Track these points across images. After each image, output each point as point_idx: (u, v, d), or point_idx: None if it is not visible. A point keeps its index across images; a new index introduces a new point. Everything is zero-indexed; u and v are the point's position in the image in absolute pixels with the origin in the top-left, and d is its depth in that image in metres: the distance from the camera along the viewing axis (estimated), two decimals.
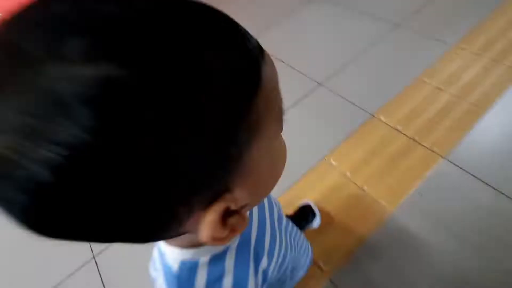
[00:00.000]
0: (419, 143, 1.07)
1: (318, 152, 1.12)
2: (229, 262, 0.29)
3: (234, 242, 0.30)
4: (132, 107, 0.13)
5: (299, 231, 0.55)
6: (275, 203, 0.45)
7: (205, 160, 0.17)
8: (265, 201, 0.41)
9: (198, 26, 0.16)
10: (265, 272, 0.33)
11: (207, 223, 0.19)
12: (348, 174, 1.05)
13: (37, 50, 0.13)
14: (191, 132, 0.15)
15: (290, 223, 0.51)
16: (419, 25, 1.48)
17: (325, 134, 1.17)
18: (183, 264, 0.27)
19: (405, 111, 1.17)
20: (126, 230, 0.17)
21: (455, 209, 0.90)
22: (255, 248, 0.32)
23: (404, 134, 1.11)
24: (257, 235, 0.34)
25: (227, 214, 0.21)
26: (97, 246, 1.03)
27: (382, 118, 1.17)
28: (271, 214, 0.40)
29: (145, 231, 0.18)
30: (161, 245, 0.28)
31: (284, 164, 0.28)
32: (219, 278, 0.28)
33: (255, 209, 0.36)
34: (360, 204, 0.98)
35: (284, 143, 0.27)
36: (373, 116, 1.18)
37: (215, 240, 0.20)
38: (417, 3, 1.60)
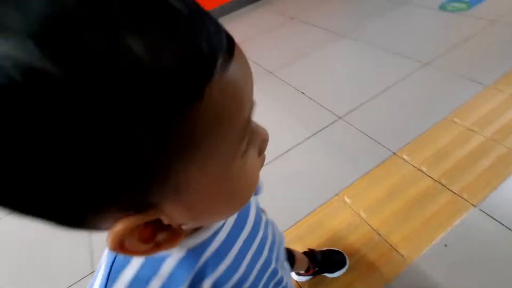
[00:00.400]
0: (447, 188, 0.97)
1: (332, 188, 1.05)
2: (166, 268, 0.26)
3: (181, 251, 0.27)
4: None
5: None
6: (274, 235, 0.42)
7: (118, 169, 0.15)
8: (260, 234, 0.38)
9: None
10: None
11: (112, 232, 0.17)
12: (363, 214, 0.96)
13: None
14: (96, 135, 0.13)
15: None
16: (451, 64, 1.42)
17: (341, 169, 1.11)
18: (118, 257, 0.26)
19: (432, 152, 1.08)
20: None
21: (486, 263, 0.77)
22: (203, 267, 0.29)
23: (430, 177, 1.01)
24: (226, 262, 0.31)
25: (160, 228, 0.20)
26: None
27: (405, 157, 1.09)
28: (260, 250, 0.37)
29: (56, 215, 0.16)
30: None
31: (250, 189, 0.25)
32: (147, 279, 0.26)
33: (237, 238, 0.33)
34: (374, 250, 0.88)
35: (255, 166, 0.24)
36: (395, 154, 1.11)
37: (125, 251, 0.18)
38: (450, 42, 1.55)
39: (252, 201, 0.39)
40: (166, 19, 0.15)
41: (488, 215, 0.87)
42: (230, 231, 0.32)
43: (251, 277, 0.35)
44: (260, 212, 0.41)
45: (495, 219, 0.85)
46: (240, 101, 0.19)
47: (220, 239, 0.31)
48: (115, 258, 0.26)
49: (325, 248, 0.89)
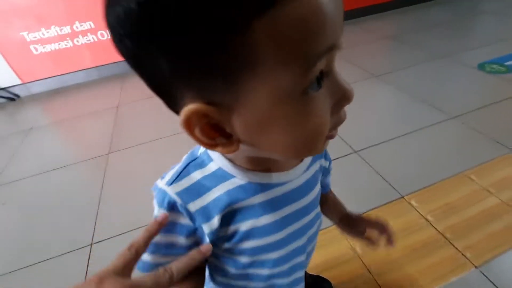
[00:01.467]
0: (450, 242, 0.94)
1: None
2: (217, 190, 0.33)
3: (243, 180, 0.33)
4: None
5: None
6: (317, 229, 0.45)
7: (196, 55, 0.20)
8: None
9: None
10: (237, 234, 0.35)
11: (185, 109, 0.23)
12: (358, 249, 0.96)
13: None
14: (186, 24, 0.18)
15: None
16: (478, 122, 1.40)
17: (346, 202, 1.11)
18: (203, 154, 0.34)
19: (442, 203, 1.06)
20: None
21: None
22: (241, 209, 0.34)
23: (435, 227, 0.99)
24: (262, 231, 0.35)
25: (221, 130, 0.25)
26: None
27: (414, 203, 1.08)
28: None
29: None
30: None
31: (308, 135, 0.25)
32: (205, 188, 0.32)
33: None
34: (360, 286, 0.87)
35: (322, 112, 0.24)
36: (404, 198, 1.10)
37: (191, 133, 0.25)
38: (482, 101, 1.54)
39: (315, 187, 0.41)
40: None
41: (488, 279, 0.83)
42: (285, 194, 0.35)
43: (281, 252, 0.38)
44: (318, 201, 0.43)
45: (494, 285, 0.81)
46: (309, 34, 0.20)
47: (273, 193, 0.34)
48: (190, 162, 0.34)
49: (314, 273, 0.89)
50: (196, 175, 0.33)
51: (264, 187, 0.34)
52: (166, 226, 0.32)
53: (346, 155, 1.33)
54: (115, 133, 1.78)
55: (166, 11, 0.18)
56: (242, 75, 0.20)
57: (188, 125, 0.24)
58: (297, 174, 0.36)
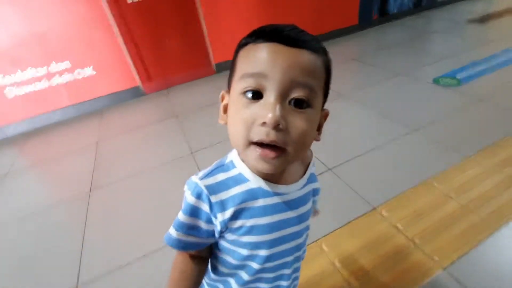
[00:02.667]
0: (419, 247, 1.02)
1: (312, 234, 1.11)
2: (235, 189, 0.43)
3: (257, 183, 0.43)
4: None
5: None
6: (304, 241, 0.53)
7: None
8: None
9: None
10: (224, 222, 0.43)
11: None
12: (337, 263, 1.01)
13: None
14: None
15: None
16: (437, 133, 1.55)
17: (322, 217, 1.18)
18: (229, 162, 0.45)
19: (409, 211, 1.15)
20: None
21: None
22: (248, 208, 0.43)
23: (404, 234, 1.07)
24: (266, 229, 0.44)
25: (225, 108, 0.43)
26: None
27: (384, 213, 1.16)
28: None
29: None
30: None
31: (234, 127, 0.38)
32: (226, 186, 0.43)
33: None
34: None
35: (245, 117, 0.36)
36: (375, 209, 1.18)
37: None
38: (438, 114, 1.69)
39: (307, 203, 0.49)
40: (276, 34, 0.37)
41: (455, 279, 0.90)
42: (287, 202, 0.45)
43: (270, 250, 0.46)
44: (308, 216, 0.51)
45: (461, 284, 0.88)
46: (251, 61, 0.37)
47: (278, 199, 0.44)
48: (218, 167, 0.45)
49: None
50: (221, 176, 0.43)
51: (269, 194, 0.43)
52: (191, 210, 0.43)
53: (322, 173, 1.41)
54: (96, 170, 1.79)
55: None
56: (233, 73, 0.40)
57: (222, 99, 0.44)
58: (295, 189, 0.46)
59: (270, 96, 0.35)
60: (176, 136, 1.97)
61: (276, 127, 0.35)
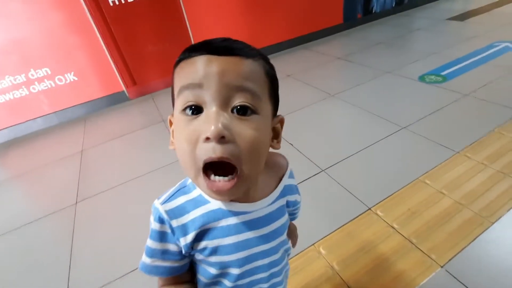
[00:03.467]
0: (416, 246, 1.02)
1: (309, 238, 1.10)
2: (195, 212, 0.41)
3: (215, 206, 0.42)
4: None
5: None
6: (282, 268, 0.51)
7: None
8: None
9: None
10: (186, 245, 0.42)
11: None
12: (336, 266, 1.00)
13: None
14: None
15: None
16: (425, 130, 1.56)
17: (319, 220, 1.17)
18: (190, 183, 0.44)
19: (404, 210, 1.15)
20: None
21: None
22: (211, 229, 0.42)
23: (401, 234, 1.07)
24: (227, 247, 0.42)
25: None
26: None
27: (379, 213, 1.15)
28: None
29: None
30: None
31: (181, 154, 0.36)
32: (186, 210, 0.42)
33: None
34: None
35: (186, 135, 0.34)
36: (371, 209, 1.18)
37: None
38: (425, 110, 1.72)
39: (280, 219, 0.47)
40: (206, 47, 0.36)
41: (453, 276, 0.90)
42: (253, 220, 0.43)
43: (242, 269, 0.44)
44: (283, 231, 0.48)
45: (459, 281, 0.89)
46: (184, 75, 0.35)
47: (242, 219, 0.42)
48: (180, 189, 0.43)
49: None
50: (181, 199, 0.42)
51: (231, 214, 0.42)
52: (158, 235, 0.42)
53: (315, 175, 1.40)
54: (81, 180, 1.71)
55: None
56: (174, 95, 0.38)
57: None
58: (261, 206, 0.44)
59: (210, 108, 0.33)
60: (164, 142, 1.91)
61: (221, 139, 0.32)
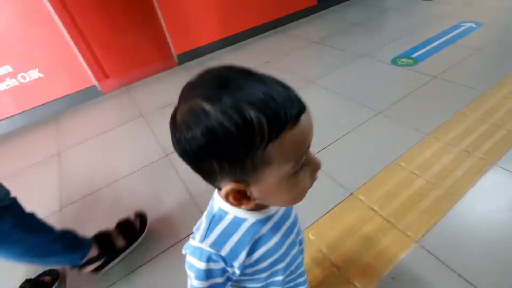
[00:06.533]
0: (394, 226, 1.12)
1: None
2: (243, 227, 0.45)
3: (252, 219, 0.45)
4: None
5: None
6: (299, 230, 0.59)
7: (235, 161, 0.34)
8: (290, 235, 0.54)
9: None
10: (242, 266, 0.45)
11: (225, 188, 0.37)
12: (324, 250, 1.08)
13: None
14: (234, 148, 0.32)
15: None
16: (398, 113, 1.66)
17: (306, 208, 1.24)
18: (218, 211, 0.45)
19: (382, 192, 1.25)
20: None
21: None
22: (259, 238, 0.47)
23: (380, 215, 1.16)
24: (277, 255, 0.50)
25: (244, 195, 0.38)
26: None
27: (361, 197, 1.25)
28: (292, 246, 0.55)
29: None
30: (221, 204, 0.45)
31: (298, 197, 0.42)
32: (229, 235, 0.44)
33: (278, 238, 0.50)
34: (334, 284, 0.99)
35: (304, 183, 0.40)
36: (352, 194, 1.26)
37: (227, 200, 0.38)
38: (398, 94, 1.81)
39: (292, 209, 0.56)
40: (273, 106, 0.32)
41: (427, 250, 1.02)
42: (279, 219, 0.50)
43: (286, 260, 0.53)
44: (297, 214, 0.58)
45: (433, 255, 1.00)
46: (298, 146, 0.36)
47: (273, 221, 0.48)
48: (213, 217, 0.45)
49: None
50: (219, 228, 0.44)
51: (267, 219, 0.48)
52: (205, 274, 0.43)
53: None
54: (62, 184, 1.66)
55: (224, 147, 0.32)
56: (262, 168, 0.35)
57: (227, 195, 0.38)
58: (276, 208, 0.51)
59: (308, 151, 0.40)
60: (146, 138, 1.89)
61: None
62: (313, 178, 0.42)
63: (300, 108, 0.35)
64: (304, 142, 0.36)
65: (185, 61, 2.82)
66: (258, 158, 0.33)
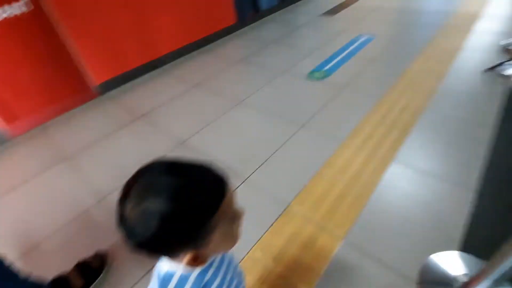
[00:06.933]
0: (324, 228, 1.31)
1: (246, 244, 1.27)
2: (191, 277, 0.53)
3: (197, 271, 0.54)
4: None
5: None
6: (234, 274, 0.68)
7: (191, 236, 0.45)
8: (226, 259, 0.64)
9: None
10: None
11: (187, 257, 0.47)
12: (271, 263, 1.20)
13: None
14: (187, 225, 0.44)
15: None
16: (318, 125, 1.92)
17: (250, 228, 1.34)
18: (165, 275, 0.53)
19: (313, 200, 1.43)
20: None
21: None
22: (207, 282, 0.56)
23: (313, 221, 1.34)
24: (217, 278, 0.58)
25: (200, 256, 0.49)
26: None
27: (296, 207, 1.41)
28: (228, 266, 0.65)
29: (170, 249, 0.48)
30: (168, 266, 0.53)
31: (233, 243, 0.54)
32: (184, 283, 0.52)
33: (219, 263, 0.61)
34: None
35: (237, 232, 0.54)
36: (289, 206, 1.42)
37: (189, 265, 0.48)
38: (315, 106, 2.08)
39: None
40: (216, 185, 0.49)
41: (352, 244, 1.22)
42: (219, 261, 0.60)
43: None
44: (232, 256, 0.69)
45: (356, 246, 1.21)
46: (230, 206, 0.50)
47: (214, 266, 0.58)
48: (163, 279, 0.52)
49: None
50: (171, 286, 0.52)
51: (209, 266, 0.57)
52: None
53: (238, 186, 1.56)
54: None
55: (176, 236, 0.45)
56: (212, 233, 0.47)
57: (188, 262, 0.48)
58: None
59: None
60: (74, 186, 1.74)
61: None
62: (240, 225, 0.55)
63: (227, 182, 0.49)
64: (233, 201, 0.51)
65: (108, 90, 2.68)
66: (208, 228, 0.46)
